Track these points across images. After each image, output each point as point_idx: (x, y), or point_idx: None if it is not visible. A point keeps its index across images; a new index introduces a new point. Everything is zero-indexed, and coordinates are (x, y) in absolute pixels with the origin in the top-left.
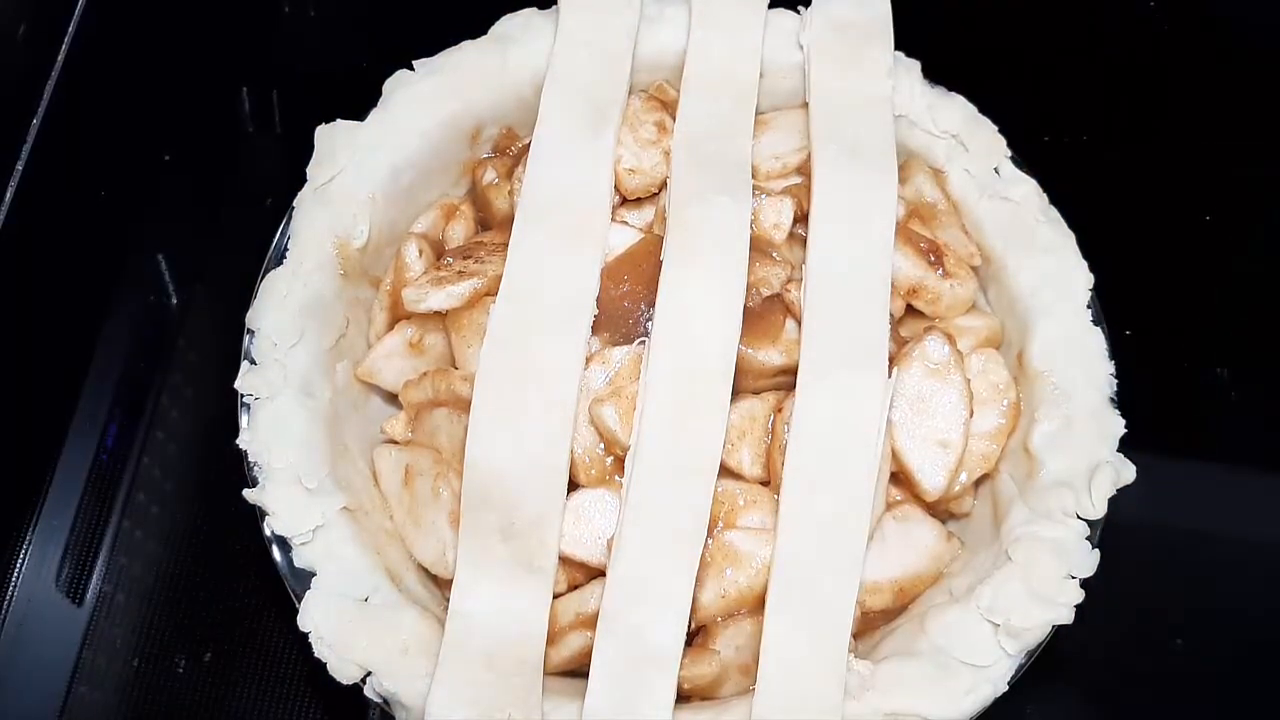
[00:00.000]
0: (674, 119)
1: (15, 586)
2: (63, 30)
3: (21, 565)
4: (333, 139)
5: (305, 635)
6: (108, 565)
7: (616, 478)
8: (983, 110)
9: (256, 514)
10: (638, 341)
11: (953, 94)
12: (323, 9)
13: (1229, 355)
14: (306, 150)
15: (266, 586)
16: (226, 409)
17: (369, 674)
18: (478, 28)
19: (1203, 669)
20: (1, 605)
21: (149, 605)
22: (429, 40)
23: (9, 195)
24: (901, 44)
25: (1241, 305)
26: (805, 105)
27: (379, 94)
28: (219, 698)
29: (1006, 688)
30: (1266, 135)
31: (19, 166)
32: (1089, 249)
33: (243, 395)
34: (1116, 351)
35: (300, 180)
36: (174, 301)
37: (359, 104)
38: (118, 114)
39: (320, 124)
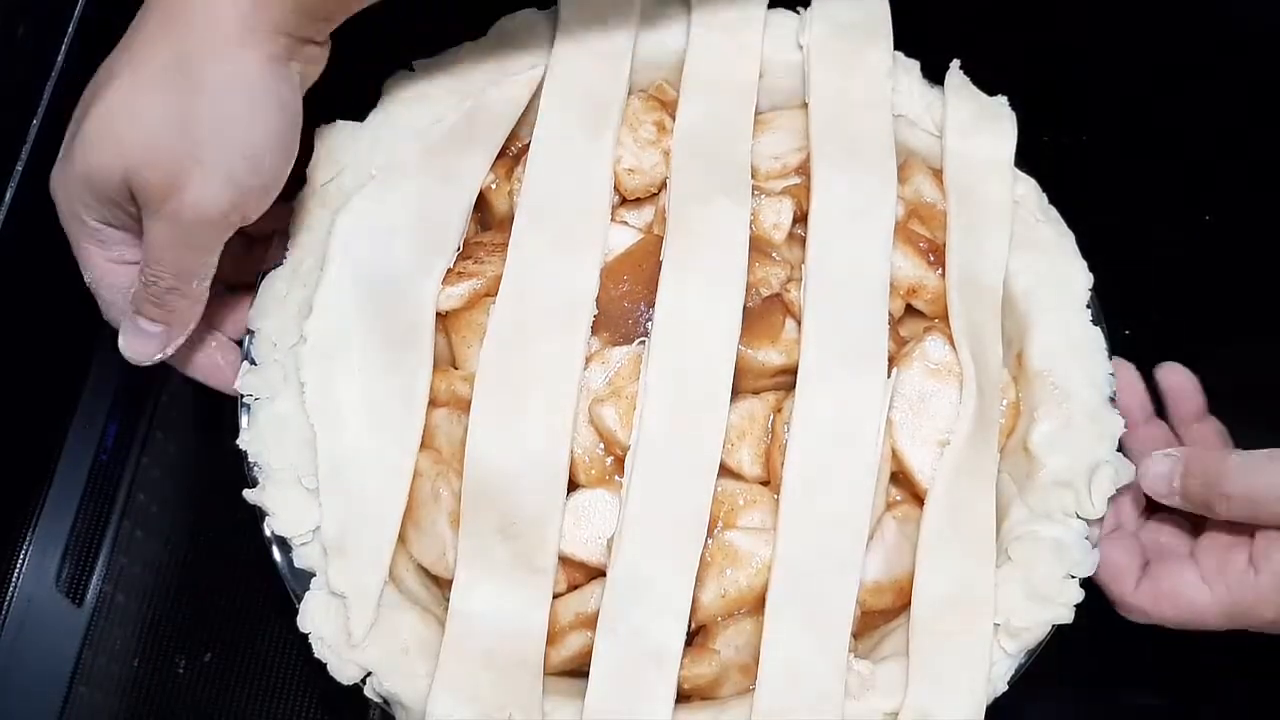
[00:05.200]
0: (673, 119)
1: (15, 587)
2: (63, 30)
3: (21, 566)
4: (332, 140)
5: (305, 635)
6: (108, 565)
7: (616, 478)
8: None
9: (257, 514)
10: (637, 341)
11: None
12: None
13: (1229, 355)
14: (306, 150)
15: (266, 586)
16: (226, 409)
17: (369, 674)
18: (477, 28)
19: (1202, 668)
20: (1, 606)
21: (149, 606)
22: (429, 40)
23: (9, 195)
24: (901, 44)
25: (1242, 305)
26: (804, 105)
27: (379, 94)
28: (219, 698)
29: (1006, 687)
30: (1267, 135)
31: (19, 167)
32: (1089, 249)
33: (243, 395)
34: (1115, 351)
35: (300, 180)
36: None
37: (359, 104)
38: None
39: (320, 124)
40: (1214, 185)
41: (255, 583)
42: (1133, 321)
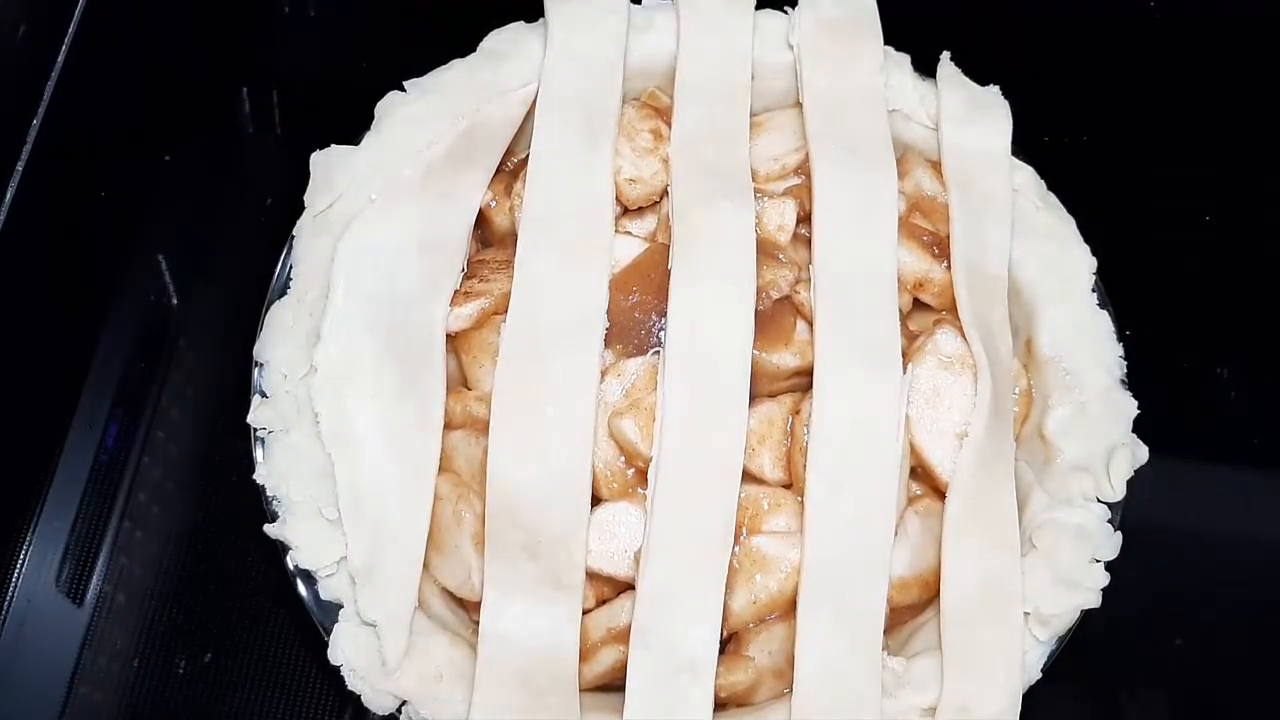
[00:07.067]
0: (669, 126)
1: (15, 587)
2: (63, 30)
3: (22, 565)
4: (329, 165)
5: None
6: (108, 565)
7: (639, 490)
8: None
9: (279, 549)
10: (651, 352)
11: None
12: (322, 9)
13: (1229, 355)
14: (306, 150)
15: (267, 587)
16: (227, 409)
17: (404, 703)
18: (466, 44)
19: (1202, 668)
20: (2, 606)
21: (149, 605)
22: (418, 59)
23: (9, 195)
24: (890, 39)
25: (1241, 305)
26: (798, 105)
27: (379, 94)
28: (219, 698)
29: (1040, 674)
30: (1267, 135)
31: (19, 167)
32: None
33: (256, 429)
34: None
35: (300, 180)
36: (174, 301)
37: (351, 127)
38: (118, 114)
39: (321, 123)
40: (1214, 185)
41: (255, 583)
42: (1133, 323)
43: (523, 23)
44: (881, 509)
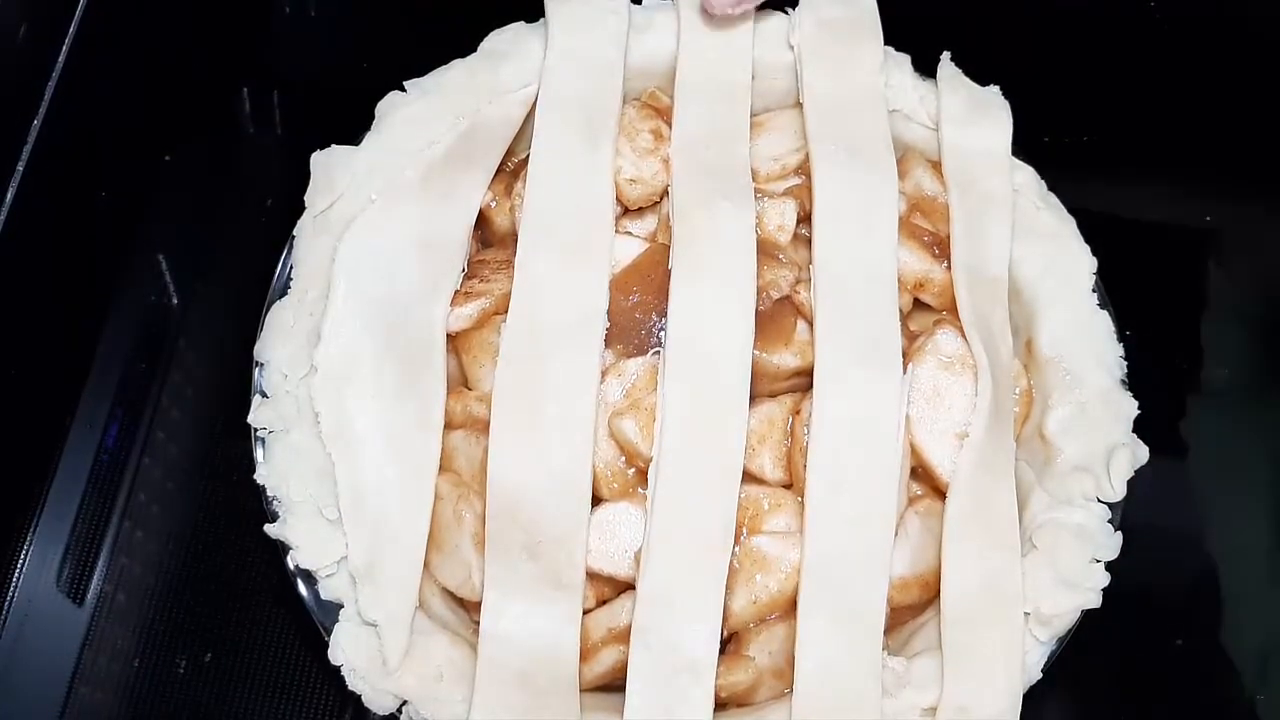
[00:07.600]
0: (669, 126)
1: (16, 586)
2: (63, 30)
3: (22, 565)
4: (328, 165)
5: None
6: (108, 565)
7: (639, 490)
8: None
9: (279, 549)
10: (652, 352)
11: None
12: (322, 9)
13: (1229, 355)
14: (306, 150)
15: (267, 587)
16: (227, 409)
17: (405, 703)
18: (466, 44)
19: (1202, 669)
20: (2, 605)
21: (149, 605)
22: (419, 59)
23: (9, 195)
24: (890, 39)
25: (1242, 305)
26: (798, 105)
27: (379, 94)
28: (219, 698)
29: (1041, 675)
30: (1267, 135)
31: (19, 167)
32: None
33: (256, 429)
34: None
35: (300, 180)
36: (174, 301)
37: (352, 127)
38: (118, 114)
39: (321, 123)
40: (1214, 186)
41: (255, 583)
42: (1133, 323)
43: (523, 23)
44: (881, 509)
